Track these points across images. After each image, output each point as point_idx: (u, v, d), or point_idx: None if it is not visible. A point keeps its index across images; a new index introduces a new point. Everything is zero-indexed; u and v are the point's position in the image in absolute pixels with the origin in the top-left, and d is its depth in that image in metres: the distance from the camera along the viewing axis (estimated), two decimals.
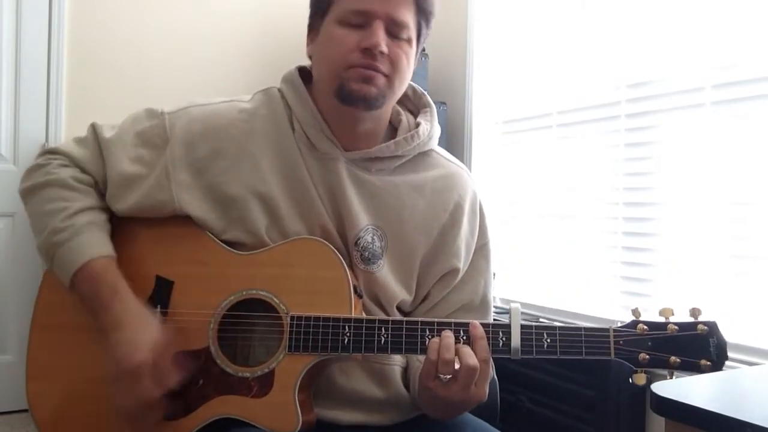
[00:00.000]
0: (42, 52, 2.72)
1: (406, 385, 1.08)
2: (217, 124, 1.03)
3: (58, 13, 2.73)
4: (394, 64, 0.99)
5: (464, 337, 0.92)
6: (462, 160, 2.85)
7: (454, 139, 2.93)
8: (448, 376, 0.89)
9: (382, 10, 0.96)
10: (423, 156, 1.11)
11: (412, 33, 1.01)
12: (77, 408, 0.99)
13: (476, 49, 2.87)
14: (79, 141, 1.07)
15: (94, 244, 0.98)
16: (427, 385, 0.92)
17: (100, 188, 1.04)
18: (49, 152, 1.06)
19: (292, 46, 3.14)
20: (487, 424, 1.05)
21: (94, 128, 1.06)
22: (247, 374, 0.95)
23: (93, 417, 0.99)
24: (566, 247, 2.42)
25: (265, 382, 0.94)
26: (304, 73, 1.09)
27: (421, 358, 0.95)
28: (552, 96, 2.53)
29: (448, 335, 0.91)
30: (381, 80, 0.98)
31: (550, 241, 2.50)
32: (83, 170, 1.04)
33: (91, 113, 2.74)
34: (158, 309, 0.99)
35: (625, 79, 2.21)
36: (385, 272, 1.04)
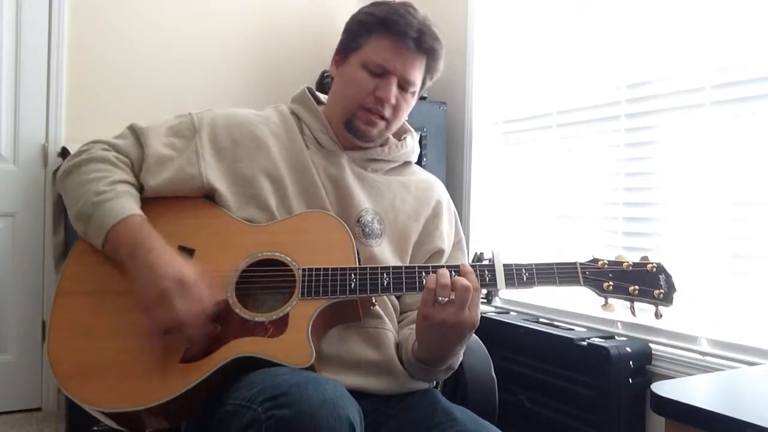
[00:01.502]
0: (42, 52, 2.72)
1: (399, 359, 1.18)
2: (237, 121, 1.23)
3: (58, 12, 2.73)
4: (396, 112, 1.22)
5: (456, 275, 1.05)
6: (462, 160, 2.91)
7: (454, 139, 2.93)
8: (446, 299, 1.01)
9: (400, 70, 1.19)
10: (407, 165, 1.34)
11: (417, 88, 1.24)
12: (97, 359, 1.03)
13: (476, 49, 2.87)
14: (118, 136, 1.22)
15: (132, 206, 1.10)
16: (426, 312, 1.02)
17: (135, 171, 1.17)
18: (90, 142, 1.20)
19: (291, 47, 3.16)
20: (484, 421, 1.07)
21: (131, 126, 1.21)
22: (263, 319, 1.04)
23: (112, 365, 1.02)
24: (566, 246, 2.42)
25: (280, 324, 1.03)
26: (311, 92, 1.30)
27: (412, 325, 1.12)
28: (552, 96, 2.53)
29: (443, 269, 1.05)
30: (382, 124, 1.22)
31: (550, 240, 2.50)
32: (121, 154, 1.18)
33: (91, 113, 2.77)
34: None
35: (625, 79, 2.21)
36: (383, 248, 1.20)
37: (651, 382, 0.89)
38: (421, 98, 2.76)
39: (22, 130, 2.69)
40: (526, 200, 2.66)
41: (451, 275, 1.03)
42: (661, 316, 1.06)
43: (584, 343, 1.97)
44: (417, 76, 1.21)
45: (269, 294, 1.08)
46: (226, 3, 3.10)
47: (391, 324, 1.20)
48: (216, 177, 1.16)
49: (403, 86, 1.20)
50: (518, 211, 2.70)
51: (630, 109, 2.19)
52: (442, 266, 1.06)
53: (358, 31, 1.21)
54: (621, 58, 2.23)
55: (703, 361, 1.88)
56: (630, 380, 1.92)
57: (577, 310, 2.28)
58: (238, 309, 1.04)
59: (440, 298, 1.00)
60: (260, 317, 1.04)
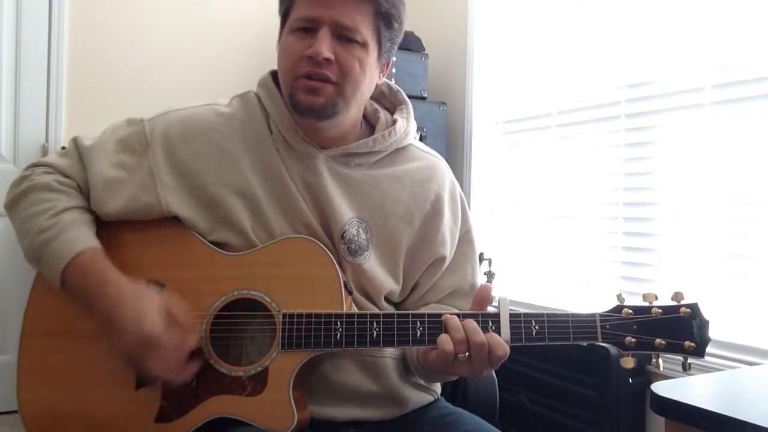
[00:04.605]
0: (42, 52, 2.72)
1: (400, 373, 1.09)
2: (195, 128, 1.05)
3: (58, 13, 2.73)
4: (343, 70, 0.99)
5: None
6: (462, 160, 2.91)
7: (454, 139, 2.93)
8: (467, 354, 0.91)
9: (327, 15, 0.97)
10: (401, 150, 1.12)
11: (368, 36, 1.01)
12: (69, 413, 0.98)
13: (476, 49, 2.87)
14: (62, 153, 1.08)
15: (79, 239, 0.97)
16: (449, 371, 0.94)
17: (83, 192, 1.04)
18: (32, 165, 1.06)
19: None
20: (485, 422, 1.05)
21: (74, 140, 1.07)
22: (241, 373, 0.95)
23: (85, 422, 0.98)
24: (566, 247, 2.42)
25: (259, 381, 0.94)
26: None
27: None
28: (552, 96, 2.53)
29: (450, 317, 0.92)
30: (328, 89, 0.99)
31: (550, 241, 2.50)
32: (66, 176, 1.04)
33: (91, 113, 2.77)
34: None
35: (625, 79, 2.21)
36: (372, 263, 1.06)
37: (651, 382, 0.88)
38: (421, 98, 2.79)
39: (22, 130, 2.70)
40: (526, 200, 2.66)
41: (459, 318, 0.93)
42: (689, 367, 0.92)
43: (584, 343, 1.97)
44: (356, 19, 0.98)
45: (247, 337, 1.00)
46: (226, 3, 3.10)
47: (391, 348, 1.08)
48: (178, 202, 1.01)
49: (344, 36, 0.98)
50: (518, 211, 2.70)
51: (630, 109, 2.19)
52: (441, 314, 0.93)
53: (282, 1, 1.04)
54: (621, 58, 2.22)
55: (703, 361, 1.87)
56: (630, 380, 1.92)
57: (577, 310, 2.27)
58: (213, 361, 0.96)
59: (460, 355, 0.91)
60: (237, 371, 0.95)
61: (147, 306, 0.92)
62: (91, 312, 0.95)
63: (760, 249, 1.80)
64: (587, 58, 2.38)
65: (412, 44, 2.77)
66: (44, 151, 2.69)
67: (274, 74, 1.09)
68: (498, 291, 2.55)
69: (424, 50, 2.85)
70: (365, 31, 1.00)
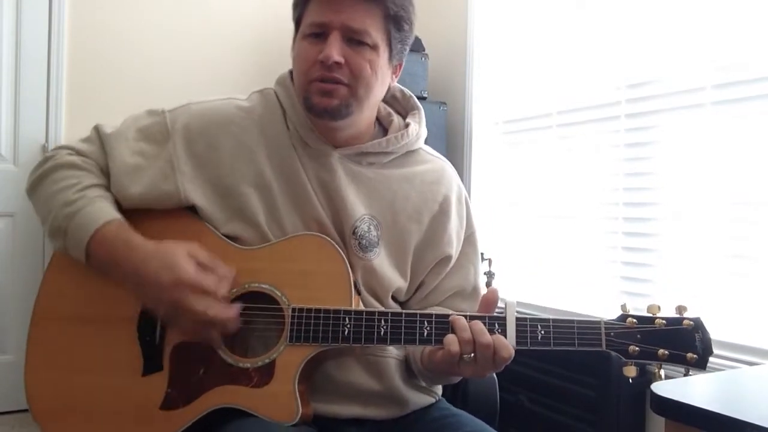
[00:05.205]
0: (42, 52, 2.72)
1: (402, 374, 1.10)
2: (216, 120, 1.08)
3: (58, 13, 2.73)
4: (354, 73, 1.02)
5: None
6: (462, 160, 2.91)
7: (454, 139, 2.93)
8: (473, 354, 0.92)
9: (336, 20, 1.00)
10: (411, 153, 1.15)
11: (378, 38, 1.03)
12: (75, 398, 1.00)
13: (476, 49, 2.87)
14: (84, 139, 1.11)
15: (105, 210, 1.00)
16: (454, 371, 0.95)
17: (104, 174, 1.07)
18: (56, 148, 1.10)
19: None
20: (485, 424, 1.06)
21: (96, 128, 1.10)
22: (248, 365, 0.97)
23: (91, 407, 0.99)
24: (566, 247, 2.42)
25: (266, 373, 0.96)
26: None
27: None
28: (552, 96, 2.53)
29: (458, 318, 0.94)
30: (342, 91, 1.02)
31: (550, 241, 2.50)
32: (88, 158, 1.08)
33: (91, 113, 2.76)
34: None
35: (625, 79, 2.21)
36: (381, 259, 1.08)
37: (651, 382, 0.88)
38: (422, 98, 2.79)
39: (22, 130, 2.70)
40: (526, 200, 2.66)
41: (467, 319, 0.94)
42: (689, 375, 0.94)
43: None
44: (366, 23, 1.01)
45: (254, 330, 1.01)
46: (226, 3, 3.10)
47: (394, 347, 1.09)
48: (196, 191, 1.04)
49: (354, 38, 1.01)
50: (518, 211, 2.70)
51: (630, 109, 2.19)
52: (449, 314, 0.95)
53: (295, 8, 1.08)
54: (621, 58, 2.22)
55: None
56: (630, 380, 1.92)
57: (577, 310, 2.28)
58: (222, 351, 0.98)
59: (465, 356, 0.92)
60: (245, 362, 0.97)
61: (175, 256, 0.95)
62: (118, 277, 0.98)
63: (760, 249, 1.80)
64: (587, 58, 2.37)
65: (412, 44, 2.76)
66: (44, 150, 2.69)
67: (292, 73, 1.11)
68: (499, 291, 2.55)
69: (424, 50, 2.84)
70: (375, 34, 1.02)
